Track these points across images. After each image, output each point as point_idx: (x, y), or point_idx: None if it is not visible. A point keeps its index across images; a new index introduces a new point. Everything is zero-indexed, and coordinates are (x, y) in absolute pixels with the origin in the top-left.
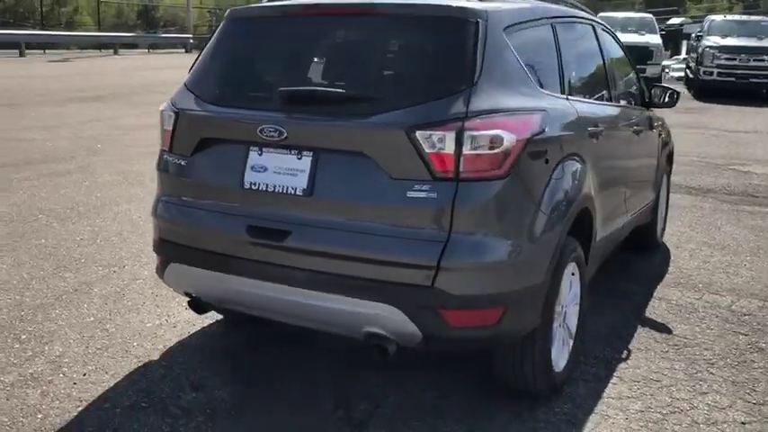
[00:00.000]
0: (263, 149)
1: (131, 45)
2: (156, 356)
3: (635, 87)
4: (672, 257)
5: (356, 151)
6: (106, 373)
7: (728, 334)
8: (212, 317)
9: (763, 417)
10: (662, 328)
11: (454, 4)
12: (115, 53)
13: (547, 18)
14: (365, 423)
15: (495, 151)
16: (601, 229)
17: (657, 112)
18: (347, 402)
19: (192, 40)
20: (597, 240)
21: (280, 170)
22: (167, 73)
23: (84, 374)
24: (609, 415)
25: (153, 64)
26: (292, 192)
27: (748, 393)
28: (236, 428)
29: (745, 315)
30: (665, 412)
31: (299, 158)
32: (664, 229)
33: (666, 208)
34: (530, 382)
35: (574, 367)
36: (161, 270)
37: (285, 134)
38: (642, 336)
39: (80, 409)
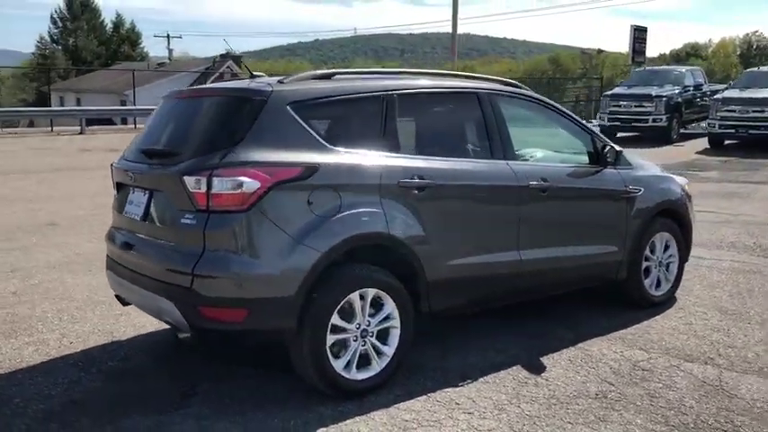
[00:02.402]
0: (135, 189)
1: None
2: (124, 339)
3: (579, 148)
4: (657, 316)
5: (161, 190)
6: (85, 344)
7: (592, 382)
8: None
9: None
10: (536, 370)
11: (245, 87)
12: None
13: (376, 92)
14: (199, 394)
15: (237, 192)
16: (437, 268)
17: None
18: (202, 386)
19: None
20: (436, 279)
21: (137, 202)
22: None
23: (71, 342)
24: (373, 417)
25: None
26: (137, 217)
27: (525, 425)
28: (116, 385)
29: (643, 370)
30: (422, 422)
31: (144, 194)
32: (675, 287)
33: (679, 267)
34: (310, 380)
35: (385, 381)
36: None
37: (134, 178)
38: (507, 373)
39: (44, 360)
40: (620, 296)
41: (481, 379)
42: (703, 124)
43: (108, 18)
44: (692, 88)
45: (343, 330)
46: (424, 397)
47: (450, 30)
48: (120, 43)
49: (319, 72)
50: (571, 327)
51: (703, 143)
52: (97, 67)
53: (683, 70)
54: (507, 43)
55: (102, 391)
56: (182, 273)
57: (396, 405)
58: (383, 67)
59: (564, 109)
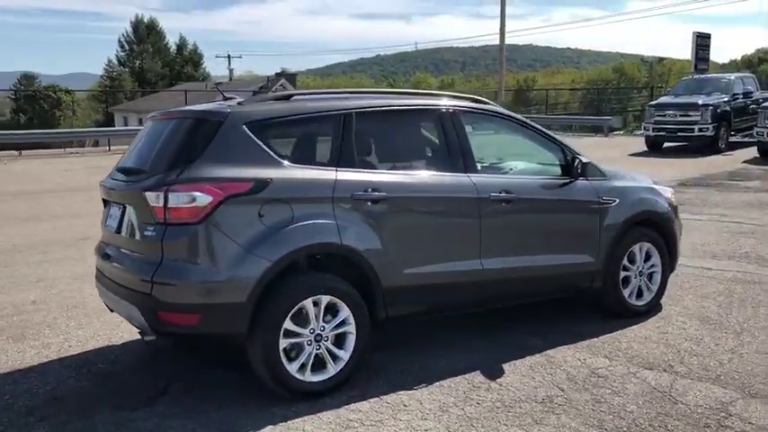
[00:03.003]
0: (113, 204)
1: None
2: (118, 343)
3: (551, 161)
4: (634, 325)
5: (130, 205)
6: (83, 348)
7: (543, 387)
8: None
9: None
10: (494, 375)
11: (206, 108)
12: None
13: (330, 111)
14: (170, 394)
15: (191, 206)
16: (393, 276)
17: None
18: (174, 384)
19: None
20: (392, 286)
21: (113, 216)
22: None
23: (70, 346)
24: (321, 417)
25: None
26: (113, 230)
27: (461, 426)
28: (100, 384)
29: (599, 377)
30: (365, 422)
31: (119, 209)
32: (658, 297)
33: (663, 277)
34: (266, 381)
35: (341, 383)
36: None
37: (110, 194)
38: (464, 377)
39: (42, 362)
40: (599, 305)
41: (437, 383)
42: (753, 133)
43: (172, 40)
44: (741, 96)
45: (297, 335)
46: (376, 399)
47: (509, 42)
48: (184, 64)
49: (278, 94)
50: (543, 334)
51: (753, 152)
52: (159, 88)
53: (733, 78)
54: (571, 53)
55: (85, 390)
56: (143, 280)
57: (346, 406)
58: (443, 81)
59: (533, 124)
